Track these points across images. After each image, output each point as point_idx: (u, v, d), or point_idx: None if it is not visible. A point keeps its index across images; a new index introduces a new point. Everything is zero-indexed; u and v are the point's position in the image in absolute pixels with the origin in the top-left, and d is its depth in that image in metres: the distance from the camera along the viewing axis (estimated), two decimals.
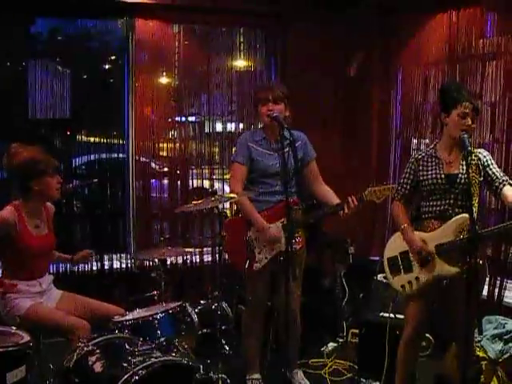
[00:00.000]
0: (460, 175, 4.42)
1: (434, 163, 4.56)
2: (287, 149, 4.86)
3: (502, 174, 4.45)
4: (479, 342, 5.24)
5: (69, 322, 4.62)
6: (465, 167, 4.38)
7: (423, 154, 4.66)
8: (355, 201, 4.92)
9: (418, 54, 7.13)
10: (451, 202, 4.46)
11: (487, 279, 5.55)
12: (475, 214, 4.35)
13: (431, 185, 4.52)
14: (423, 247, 4.47)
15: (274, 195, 5.16)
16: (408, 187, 4.70)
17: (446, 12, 6.67)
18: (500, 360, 5.22)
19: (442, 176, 4.48)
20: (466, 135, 4.18)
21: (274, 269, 5.20)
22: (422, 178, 4.58)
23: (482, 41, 6.38)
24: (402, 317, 5.26)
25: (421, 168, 4.61)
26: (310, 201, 5.55)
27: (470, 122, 4.35)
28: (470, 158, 4.18)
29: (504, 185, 4.40)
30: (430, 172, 4.55)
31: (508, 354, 5.24)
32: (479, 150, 4.55)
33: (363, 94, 7.84)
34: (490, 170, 4.44)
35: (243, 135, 5.43)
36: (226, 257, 5.28)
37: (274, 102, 5.06)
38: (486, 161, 4.47)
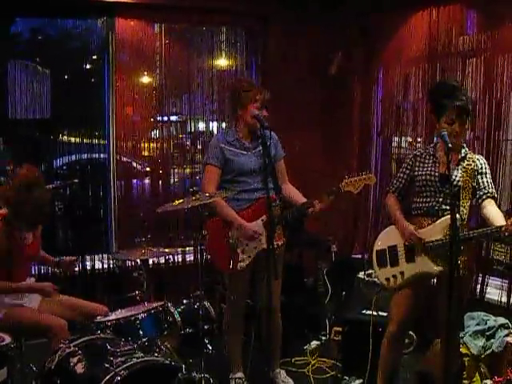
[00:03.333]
0: (454, 176, 4.46)
1: (431, 161, 4.63)
2: (260, 147, 4.90)
3: (490, 186, 4.52)
4: (462, 338, 5.27)
5: (45, 321, 4.61)
6: (460, 170, 4.46)
7: (422, 151, 4.74)
8: (320, 205, 5.00)
9: (398, 51, 7.15)
10: (440, 200, 4.51)
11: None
12: (465, 216, 4.42)
13: (424, 181, 4.58)
14: (414, 234, 4.51)
15: (253, 193, 5.17)
16: (403, 181, 4.77)
17: (426, 9, 6.68)
18: (482, 356, 5.27)
19: (436, 174, 4.55)
20: (445, 132, 4.20)
21: (255, 267, 5.23)
22: (416, 174, 4.65)
23: (462, 38, 6.41)
24: (384, 314, 5.30)
25: (417, 164, 4.68)
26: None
27: (457, 129, 4.41)
28: (450, 154, 4.19)
29: (487, 196, 4.48)
30: (425, 169, 4.62)
31: (490, 350, 5.28)
32: (477, 156, 4.63)
33: (344, 92, 7.86)
34: (482, 178, 4.52)
35: (215, 137, 5.39)
36: (209, 257, 5.26)
37: (265, 107, 5.06)
38: (481, 168, 4.54)
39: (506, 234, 4.15)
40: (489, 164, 5.73)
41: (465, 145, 4.62)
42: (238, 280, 5.28)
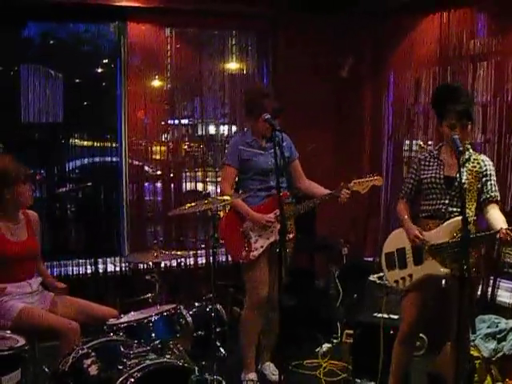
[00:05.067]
0: (458, 178, 4.46)
1: (435, 164, 4.63)
2: (276, 147, 5.01)
3: (494, 189, 4.51)
4: (473, 341, 5.27)
5: (58, 324, 4.63)
6: (465, 172, 4.46)
7: (426, 155, 4.75)
8: (348, 191, 5.24)
9: (409, 55, 7.16)
10: (447, 202, 4.51)
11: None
12: (471, 218, 4.41)
13: (429, 184, 4.59)
14: (418, 235, 4.54)
15: (270, 190, 5.37)
16: (411, 186, 4.78)
17: (437, 13, 6.69)
18: (493, 359, 5.27)
19: (441, 177, 4.55)
20: (456, 136, 4.21)
21: (271, 260, 5.39)
22: (422, 177, 4.66)
23: (472, 41, 6.40)
24: (395, 317, 5.31)
25: (422, 167, 4.69)
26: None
27: (457, 134, 4.39)
28: (461, 158, 4.20)
29: (490, 201, 4.48)
30: (430, 172, 4.62)
31: (501, 353, 5.28)
32: (482, 157, 4.62)
33: (355, 95, 7.87)
34: (487, 181, 4.50)
35: (233, 139, 5.69)
36: (222, 258, 5.38)
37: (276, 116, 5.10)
38: (486, 170, 4.52)
39: (501, 237, 4.16)
40: (500, 167, 5.77)
41: (469, 146, 4.62)
42: (254, 269, 5.41)
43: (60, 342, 4.56)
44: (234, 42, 7.75)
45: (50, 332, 4.63)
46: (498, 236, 4.18)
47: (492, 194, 4.49)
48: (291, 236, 5.42)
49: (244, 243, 5.36)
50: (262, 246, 5.34)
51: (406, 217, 4.72)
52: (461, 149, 4.11)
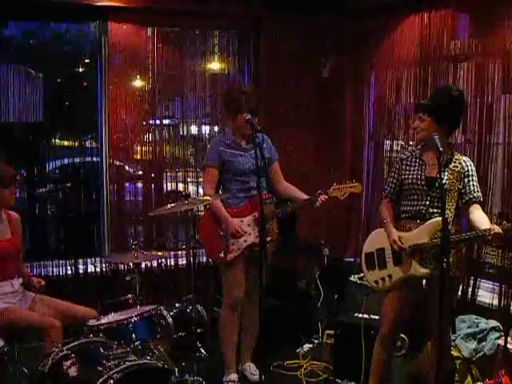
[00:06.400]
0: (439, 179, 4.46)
1: (417, 164, 4.64)
2: (256, 148, 5.03)
3: (476, 190, 4.52)
4: (453, 341, 5.29)
5: (41, 321, 4.63)
6: (446, 172, 4.46)
7: (408, 155, 4.75)
8: (326, 196, 5.22)
9: (390, 55, 7.17)
10: (427, 203, 4.52)
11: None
12: (450, 219, 4.41)
13: (411, 184, 4.59)
14: (397, 242, 4.53)
15: (250, 191, 5.37)
16: (393, 186, 4.78)
17: (417, 14, 6.71)
18: (474, 359, 5.30)
19: (423, 178, 4.55)
20: (436, 136, 4.21)
21: (249, 262, 5.40)
22: (404, 177, 4.67)
23: (453, 42, 6.42)
24: (376, 317, 5.31)
25: (404, 167, 4.69)
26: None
27: (414, 125, 4.61)
28: (441, 158, 4.20)
29: (473, 202, 4.49)
30: (411, 172, 4.63)
31: (482, 353, 5.31)
32: (464, 157, 4.62)
33: (336, 95, 7.86)
34: (469, 181, 4.51)
35: (213, 140, 5.67)
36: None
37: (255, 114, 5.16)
38: (468, 171, 4.53)
39: (490, 237, 4.17)
40: (480, 167, 5.78)
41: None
42: (230, 271, 5.41)
43: (43, 340, 4.56)
44: (215, 42, 7.74)
45: (33, 331, 4.62)
46: (487, 236, 4.18)
47: (475, 194, 4.49)
48: (269, 239, 5.24)
49: (222, 244, 5.34)
50: (239, 248, 5.32)
51: (389, 220, 4.70)
52: (441, 149, 4.10)
